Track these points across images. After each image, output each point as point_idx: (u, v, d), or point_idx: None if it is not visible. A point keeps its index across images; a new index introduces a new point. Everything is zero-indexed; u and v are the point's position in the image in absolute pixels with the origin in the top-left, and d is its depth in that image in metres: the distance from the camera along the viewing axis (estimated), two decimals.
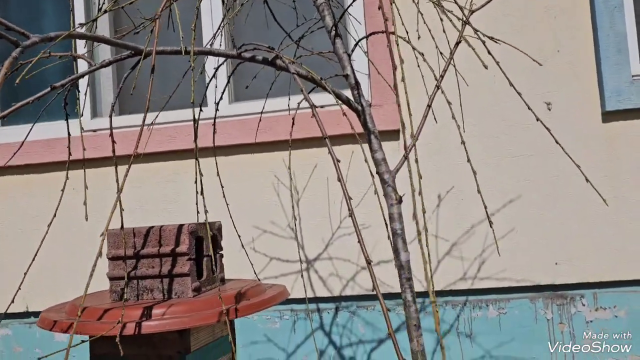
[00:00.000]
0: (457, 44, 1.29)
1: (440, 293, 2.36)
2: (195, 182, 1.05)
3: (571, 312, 2.28)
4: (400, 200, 1.23)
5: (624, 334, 2.23)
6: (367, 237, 2.40)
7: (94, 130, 2.63)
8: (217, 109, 1.27)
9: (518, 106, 2.31)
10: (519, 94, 1.24)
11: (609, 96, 2.21)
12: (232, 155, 2.51)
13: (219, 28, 1.34)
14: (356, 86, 1.19)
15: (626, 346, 2.23)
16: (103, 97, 2.76)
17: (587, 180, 1.22)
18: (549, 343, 2.27)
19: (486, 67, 1.20)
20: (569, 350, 2.26)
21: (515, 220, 2.30)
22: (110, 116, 1.01)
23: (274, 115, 2.47)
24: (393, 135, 2.34)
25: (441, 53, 1.32)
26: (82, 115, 2.66)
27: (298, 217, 2.47)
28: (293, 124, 1.43)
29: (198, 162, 1.10)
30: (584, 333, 2.26)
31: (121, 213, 1.06)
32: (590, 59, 2.28)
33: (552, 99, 2.30)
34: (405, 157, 1.25)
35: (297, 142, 2.44)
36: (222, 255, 1.23)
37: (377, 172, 1.24)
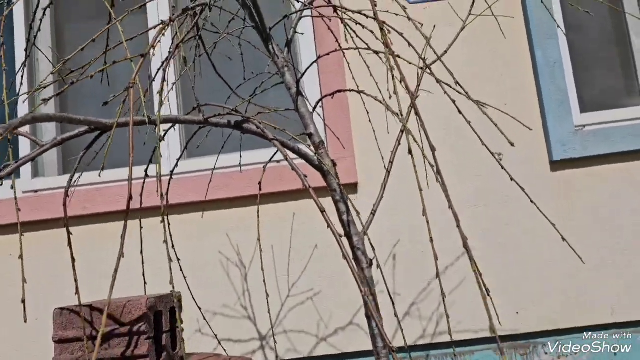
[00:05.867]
0: (412, 105, 1.30)
1: (402, 349, 2.30)
2: (142, 251, 0.97)
3: None
4: (371, 264, 1.18)
5: None
6: (319, 304, 2.31)
7: (35, 191, 2.46)
8: (171, 177, 1.20)
9: (472, 157, 2.36)
10: (484, 143, 1.25)
11: (555, 146, 2.30)
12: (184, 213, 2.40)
13: (170, 88, 1.29)
14: (321, 145, 1.15)
15: None
16: (45, 155, 2.61)
17: (549, 222, 1.22)
18: None
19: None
20: None
21: (468, 270, 2.30)
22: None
23: (228, 171, 2.40)
24: (349, 188, 2.33)
25: (398, 115, 1.32)
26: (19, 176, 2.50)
27: (247, 292, 2.36)
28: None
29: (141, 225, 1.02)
30: None
31: (77, 287, 0.96)
32: (537, 111, 2.37)
33: (502, 150, 2.36)
34: (373, 214, 1.21)
35: (249, 198, 2.37)
36: (182, 330, 1.13)
37: (346, 235, 1.19)
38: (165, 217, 0.85)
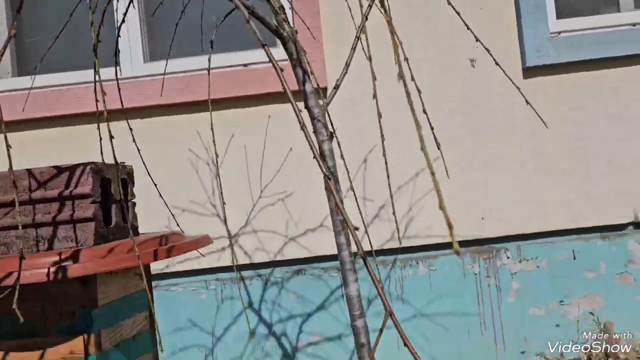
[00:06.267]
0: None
1: (370, 253, 2.33)
2: (97, 115, 0.91)
3: (497, 266, 2.32)
4: (331, 136, 1.14)
5: (546, 284, 2.30)
6: (292, 204, 2.31)
7: None
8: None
9: (443, 65, 2.31)
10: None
11: (529, 52, 2.25)
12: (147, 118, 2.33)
13: None
14: (280, 10, 1.08)
15: (547, 295, 2.30)
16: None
17: (527, 102, 1.20)
18: (476, 297, 2.31)
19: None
20: (496, 302, 2.31)
21: (440, 177, 2.30)
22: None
23: (192, 74, 2.31)
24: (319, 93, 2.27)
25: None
26: None
27: (219, 188, 2.35)
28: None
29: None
30: (510, 285, 2.31)
31: (8, 151, 0.90)
32: (512, 16, 2.31)
33: (475, 56, 2.31)
34: (336, 88, 1.16)
35: (216, 102, 2.30)
36: (134, 204, 1.09)
37: (306, 107, 1.15)
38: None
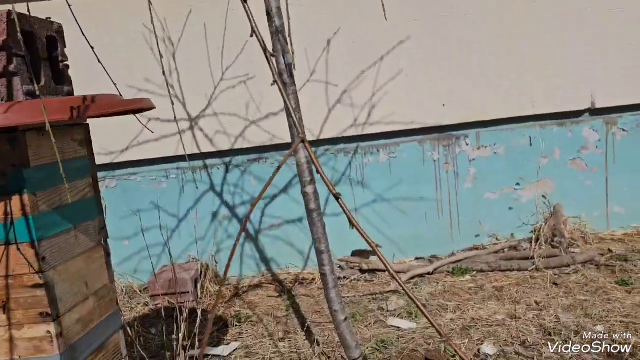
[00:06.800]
0: None
1: (333, 141, 2.33)
2: None
3: (456, 152, 2.36)
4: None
5: (502, 170, 2.36)
6: (253, 88, 2.26)
7: None
8: None
9: None
10: None
11: None
12: None
13: None
14: None
15: (503, 180, 2.37)
16: None
17: None
18: (435, 183, 2.36)
19: None
20: (453, 188, 2.37)
21: (404, 63, 2.26)
22: None
23: None
24: None
25: None
26: None
27: (176, 71, 2.26)
28: None
29: None
30: (467, 171, 2.36)
31: None
32: None
33: None
34: None
35: None
36: (67, 67, 1.03)
37: None
38: None
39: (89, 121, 1.09)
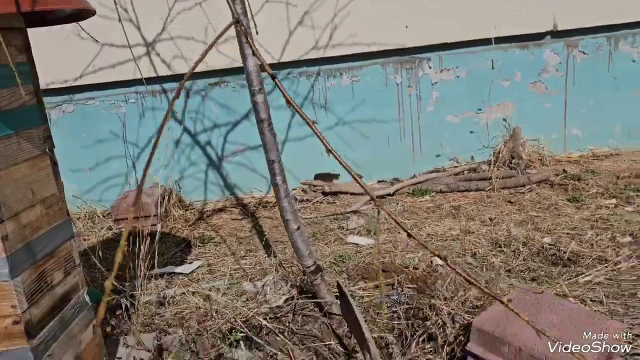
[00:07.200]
0: None
1: (294, 64, 2.29)
2: None
3: (419, 76, 2.35)
4: None
5: (463, 93, 2.37)
6: (209, 8, 2.18)
7: None
8: None
9: None
10: None
11: None
12: None
13: None
14: None
15: (464, 103, 2.39)
16: None
17: None
18: (397, 106, 2.37)
19: None
20: (416, 111, 2.38)
21: None
22: None
23: None
24: None
25: None
26: None
27: None
28: None
29: None
30: (430, 94, 2.37)
31: None
32: None
33: None
34: None
35: None
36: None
37: None
38: None
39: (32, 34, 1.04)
